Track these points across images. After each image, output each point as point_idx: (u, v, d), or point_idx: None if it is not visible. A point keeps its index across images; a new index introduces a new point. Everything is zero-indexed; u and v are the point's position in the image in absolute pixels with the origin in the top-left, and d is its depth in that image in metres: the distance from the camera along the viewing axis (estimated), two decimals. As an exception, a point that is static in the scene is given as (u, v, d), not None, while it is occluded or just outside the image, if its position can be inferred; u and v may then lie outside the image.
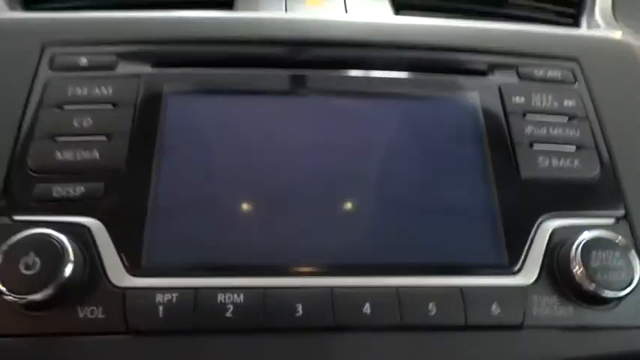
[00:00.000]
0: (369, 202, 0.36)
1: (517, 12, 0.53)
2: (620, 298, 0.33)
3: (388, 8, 0.49)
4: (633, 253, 0.33)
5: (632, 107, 0.41)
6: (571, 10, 0.55)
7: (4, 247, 0.31)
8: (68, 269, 0.31)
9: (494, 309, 0.32)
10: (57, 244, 0.31)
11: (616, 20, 0.54)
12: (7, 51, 0.40)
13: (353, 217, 0.35)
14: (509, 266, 0.34)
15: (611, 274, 0.32)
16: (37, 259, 0.30)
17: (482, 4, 0.52)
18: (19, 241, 0.31)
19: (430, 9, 0.51)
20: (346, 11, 0.48)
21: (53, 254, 0.31)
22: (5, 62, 0.39)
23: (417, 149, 0.38)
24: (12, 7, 0.47)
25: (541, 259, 0.34)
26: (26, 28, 0.41)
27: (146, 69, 0.39)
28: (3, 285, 0.30)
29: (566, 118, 0.39)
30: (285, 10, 0.47)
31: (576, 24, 0.54)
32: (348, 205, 0.36)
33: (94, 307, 0.31)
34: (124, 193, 0.34)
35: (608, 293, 0.32)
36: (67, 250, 0.31)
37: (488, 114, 0.39)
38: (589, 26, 0.52)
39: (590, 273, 0.32)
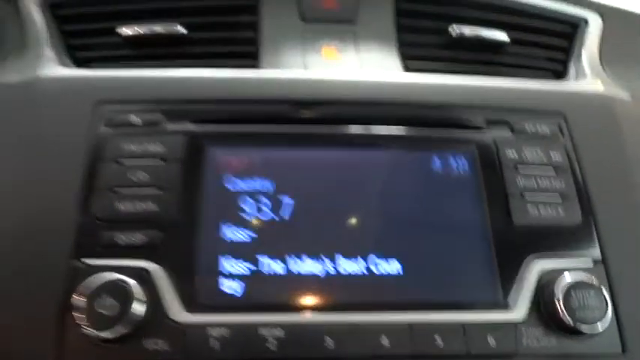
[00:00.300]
0: (385, 248, 0.42)
1: (512, 60, 0.59)
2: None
3: (397, 58, 0.55)
4: (606, 292, 0.40)
5: (611, 159, 0.47)
6: (561, 56, 0.61)
7: (83, 290, 0.37)
8: (136, 308, 0.37)
9: (491, 340, 0.39)
10: (126, 287, 0.37)
11: (602, 67, 0.60)
12: (63, 108, 0.46)
13: (372, 261, 0.41)
14: (503, 303, 0.40)
15: (588, 312, 0.39)
16: (111, 300, 0.36)
17: (480, 52, 0.58)
18: (95, 285, 0.37)
19: (434, 59, 0.57)
20: (360, 66, 0.54)
21: (124, 296, 0.37)
22: (62, 118, 0.45)
23: (424, 198, 0.44)
24: (62, 62, 0.52)
25: (530, 297, 0.41)
26: (80, 87, 0.47)
27: (189, 126, 0.45)
28: (84, 322, 0.36)
29: (553, 169, 0.46)
30: (305, 66, 0.53)
31: (565, 70, 0.60)
32: (369, 250, 0.42)
33: (158, 340, 0.37)
34: (178, 240, 0.40)
35: (585, 327, 0.39)
36: (134, 292, 0.37)
37: (485, 166, 0.45)
38: (577, 74, 0.58)
39: (570, 310, 0.39)
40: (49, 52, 0.54)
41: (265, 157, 0.45)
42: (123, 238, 0.40)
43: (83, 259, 0.39)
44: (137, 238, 0.40)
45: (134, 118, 0.45)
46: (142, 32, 0.55)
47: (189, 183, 0.43)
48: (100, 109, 0.45)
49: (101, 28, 0.57)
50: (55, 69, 0.50)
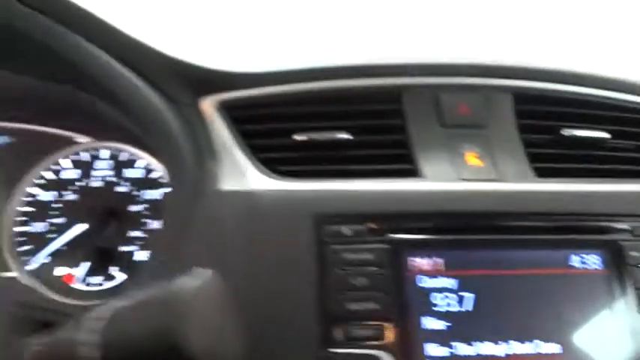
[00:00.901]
0: (545, 333, 0.56)
1: (611, 153, 0.72)
2: None
3: (526, 163, 0.67)
4: None
5: None
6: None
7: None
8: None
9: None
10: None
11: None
12: (285, 219, 0.58)
13: (537, 344, 0.55)
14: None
15: None
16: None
17: (588, 149, 0.71)
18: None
19: (552, 158, 0.69)
20: (497, 171, 0.66)
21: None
22: (285, 228, 0.58)
23: (569, 291, 0.58)
24: (259, 168, 0.65)
25: None
26: (299, 202, 0.59)
27: (387, 236, 0.58)
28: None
29: (664, 266, 0.60)
30: (458, 174, 0.65)
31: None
32: (534, 336, 0.55)
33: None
34: (399, 332, 0.54)
35: None
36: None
37: (614, 264, 0.59)
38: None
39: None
40: (241, 157, 0.66)
41: (448, 259, 0.58)
42: (356, 331, 0.53)
43: (329, 349, 0.53)
44: (366, 332, 0.53)
45: (346, 230, 0.58)
46: (315, 139, 0.67)
47: (396, 284, 0.56)
48: (316, 220, 0.58)
49: (274, 129, 0.69)
50: (265, 181, 0.62)
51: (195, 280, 0.35)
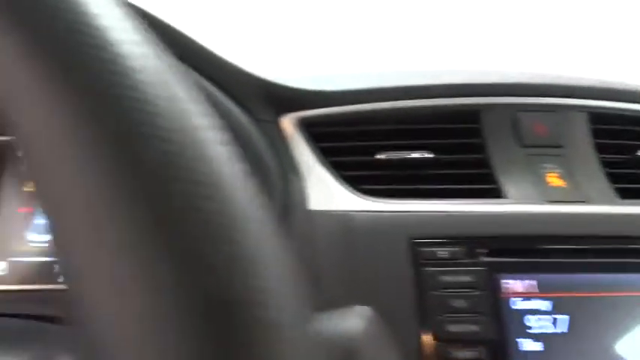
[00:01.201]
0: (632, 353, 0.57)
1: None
2: None
3: (606, 183, 0.68)
4: None
5: None
6: None
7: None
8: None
9: None
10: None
11: None
12: (379, 241, 0.60)
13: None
14: None
15: None
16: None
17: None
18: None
19: (629, 178, 0.70)
20: (580, 191, 0.67)
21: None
22: (380, 250, 0.59)
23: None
24: (346, 189, 0.66)
25: None
26: (394, 224, 0.61)
27: (481, 258, 0.59)
28: None
29: None
30: (544, 195, 0.66)
31: None
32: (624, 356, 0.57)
33: None
34: (497, 354, 0.55)
35: None
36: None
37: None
38: None
39: None
40: (325, 175, 0.67)
41: (540, 281, 0.59)
42: (455, 353, 0.55)
43: (426, 367, 0.54)
44: (465, 353, 0.55)
45: (442, 253, 0.59)
46: (397, 157, 0.68)
47: (492, 306, 0.57)
48: (411, 242, 0.59)
49: (355, 147, 0.70)
50: (354, 201, 0.64)
51: (361, 319, 0.36)
